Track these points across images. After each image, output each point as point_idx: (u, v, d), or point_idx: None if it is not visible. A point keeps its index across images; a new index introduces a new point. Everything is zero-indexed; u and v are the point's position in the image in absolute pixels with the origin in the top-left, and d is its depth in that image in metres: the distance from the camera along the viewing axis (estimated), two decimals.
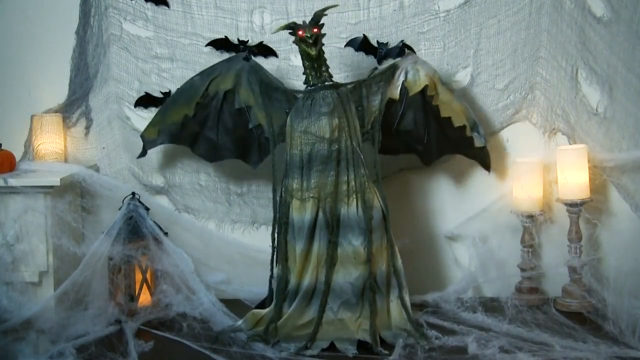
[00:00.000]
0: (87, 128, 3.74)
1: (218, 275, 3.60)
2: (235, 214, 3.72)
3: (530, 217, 3.43)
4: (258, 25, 3.63)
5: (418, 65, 3.29)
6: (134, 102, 3.68)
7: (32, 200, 3.28)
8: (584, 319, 3.15)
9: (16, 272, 3.28)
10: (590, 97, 3.43)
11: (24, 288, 3.29)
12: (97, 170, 3.70)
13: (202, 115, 3.43)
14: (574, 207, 3.33)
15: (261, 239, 3.54)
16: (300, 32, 3.13)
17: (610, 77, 3.34)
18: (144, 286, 3.37)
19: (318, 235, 3.08)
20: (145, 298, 3.36)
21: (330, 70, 3.22)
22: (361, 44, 3.53)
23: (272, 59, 3.61)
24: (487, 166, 3.44)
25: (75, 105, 3.72)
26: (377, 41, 3.55)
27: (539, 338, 2.94)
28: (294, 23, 3.20)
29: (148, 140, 3.48)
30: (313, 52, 3.13)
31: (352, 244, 3.06)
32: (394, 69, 3.30)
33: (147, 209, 3.43)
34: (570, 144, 3.49)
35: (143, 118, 3.63)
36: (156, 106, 3.61)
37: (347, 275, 3.04)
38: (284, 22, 3.29)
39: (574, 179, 3.31)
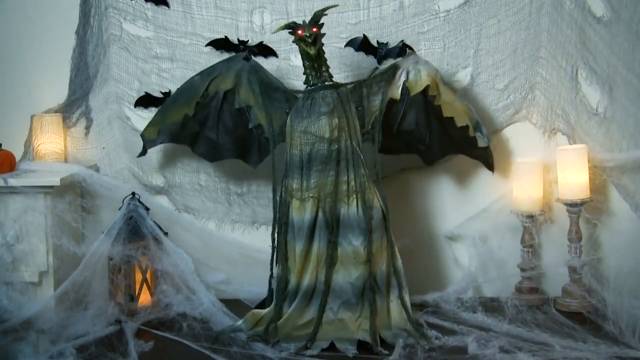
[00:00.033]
0: (87, 128, 3.74)
1: (218, 275, 3.60)
2: (235, 214, 3.72)
3: (530, 217, 3.43)
4: (258, 25, 3.63)
5: (420, 65, 3.29)
6: (134, 102, 3.68)
7: (32, 200, 3.28)
8: (584, 319, 3.15)
9: (16, 272, 3.28)
10: (590, 97, 3.43)
11: (24, 288, 3.29)
12: (97, 170, 3.70)
13: (202, 115, 3.43)
14: (574, 207, 3.33)
15: (261, 239, 3.54)
16: (299, 32, 3.13)
17: (610, 77, 3.34)
18: (144, 286, 3.37)
19: (318, 235, 3.09)
20: (145, 298, 3.36)
21: (330, 70, 3.22)
22: (361, 44, 3.53)
23: (272, 59, 3.62)
24: (490, 166, 3.43)
25: (75, 105, 3.72)
26: (377, 41, 3.55)
27: (539, 338, 2.94)
28: (294, 22, 3.20)
29: (148, 140, 3.48)
30: (312, 51, 3.13)
31: (352, 244, 3.06)
32: (394, 69, 3.29)
33: (147, 209, 3.43)
34: (570, 144, 3.49)
35: (143, 118, 3.63)
36: (156, 106, 3.61)
37: (347, 275, 3.04)
38: (284, 22, 3.29)
39: (574, 179, 3.31)
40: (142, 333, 3.16)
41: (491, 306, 3.33)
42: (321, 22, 3.16)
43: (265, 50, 3.60)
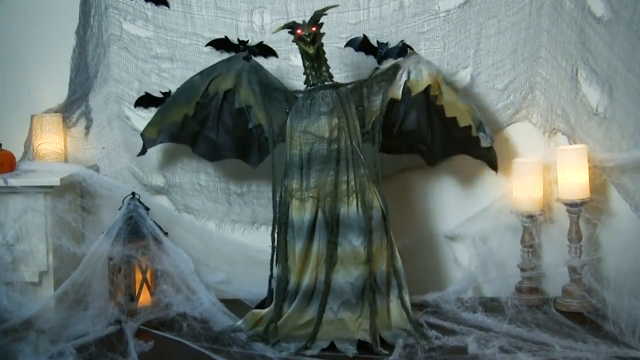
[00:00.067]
0: (87, 128, 3.74)
1: (218, 275, 3.60)
2: (235, 214, 3.72)
3: (530, 217, 3.42)
4: (258, 25, 3.63)
5: (421, 65, 3.28)
6: (134, 102, 3.68)
7: (32, 200, 3.28)
8: (584, 319, 3.15)
9: (16, 272, 3.28)
10: (590, 97, 3.43)
11: (24, 288, 3.28)
12: (97, 170, 3.70)
13: (202, 114, 3.43)
14: (574, 207, 3.33)
15: (261, 239, 3.54)
16: (298, 31, 3.13)
17: (610, 77, 3.34)
18: (144, 286, 3.37)
19: (317, 235, 3.08)
20: (145, 298, 3.36)
21: (330, 70, 3.22)
22: (361, 44, 3.53)
23: (272, 59, 3.62)
24: (494, 166, 3.42)
25: (75, 105, 3.72)
26: (377, 41, 3.55)
27: (539, 338, 2.94)
28: (293, 22, 3.20)
29: (148, 140, 3.48)
30: (311, 50, 3.13)
31: (352, 243, 3.06)
32: (395, 68, 3.29)
33: (147, 209, 3.43)
34: (570, 144, 3.49)
35: (143, 118, 3.63)
36: (156, 106, 3.61)
37: (347, 275, 3.04)
38: (284, 22, 3.29)
39: (574, 179, 3.31)
40: (142, 333, 3.16)
41: (491, 306, 3.33)
42: (321, 21, 3.16)
43: (265, 50, 3.60)
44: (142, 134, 3.49)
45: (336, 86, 3.20)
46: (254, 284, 3.48)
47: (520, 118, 3.58)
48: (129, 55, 3.68)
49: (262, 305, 3.26)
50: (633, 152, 3.23)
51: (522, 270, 3.46)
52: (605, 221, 3.43)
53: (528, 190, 3.41)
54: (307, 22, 3.16)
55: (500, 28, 3.53)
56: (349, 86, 3.25)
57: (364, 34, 3.53)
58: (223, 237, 3.70)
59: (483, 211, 3.58)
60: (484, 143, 3.32)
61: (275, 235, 3.19)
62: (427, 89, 3.25)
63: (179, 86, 3.49)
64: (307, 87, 3.21)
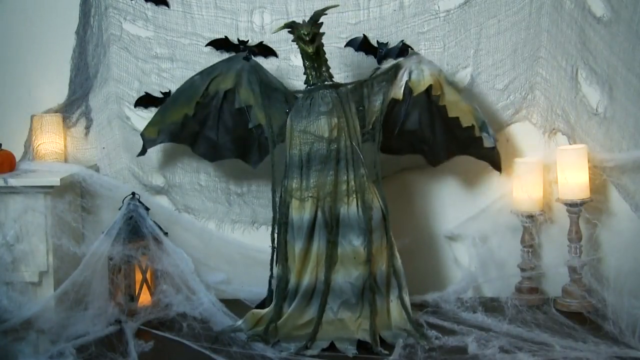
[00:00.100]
0: (87, 128, 3.74)
1: (218, 275, 3.60)
2: (235, 214, 3.72)
3: (530, 217, 3.42)
4: (258, 25, 3.63)
5: (423, 64, 3.27)
6: (134, 102, 3.68)
7: (32, 200, 3.28)
8: (584, 319, 3.15)
9: (16, 272, 3.28)
10: (590, 97, 3.43)
11: (24, 288, 3.28)
12: (97, 170, 3.70)
13: (202, 114, 3.43)
14: (574, 207, 3.33)
15: (261, 239, 3.54)
16: (298, 30, 3.13)
17: (610, 77, 3.34)
18: (144, 286, 3.37)
19: (317, 235, 3.08)
20: (145, 298, 3.36)
21: (330, 70, 3.22)
22: (361, 44, 3.53)
23: (272, 59, 3.62)
24: (497, 167, 3.40)
25: (75, 105, 3.72)
26: (377, 41, 3.55)
27: (539, 338, 2.94)
28: (293, 22, 3.20)
29: (148, 140, 3.48)
30: (310, 49, 3.13)
31: (352, 243, 3.06)
32: (396, 68, 3.28)
33: (147, 209, 3.43)
34: (570, 144, 3.49)
35: (143, 118, 3.63)
36: (156, 106, 3.61)
37: (347, 275, 3.04)
38: (284, 22, 3.29)
39: (574, 179, 3.31)
40: (142, 333, 3.16)
41: (491, 306, 3.33)
42: (320, 21, 3.16)
43: (265, 50, 3.60)
44: (142, 134, 3.49)
45: (336, 86, 3.20)
46: (254, 284, 3.48)
47: (520, 118, 3.58)
48: (129, 55, 3.68)
49: (262, 305, 3.26)
50: (633, 152, 3.23)
51: (522, 270, 3.46)
52: (605, 221, 3.42)
53: (528, 190, 3.41)
54: (306, 21, 3.16)
55: (500, 28, 3.53)
56: (349, 86, 3.25)
57: (364, 34, 3.53)
58: (223, 237, 3.70)
59: (483, 211, 3.58)
60: (487, 143, 3.30)
61: (275, 235, 3.19)
62: (429, 89, 3.23)
63: (179, 86, 3.49)
64: (307, 87, 3.21)
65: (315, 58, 3.16)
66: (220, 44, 3.60)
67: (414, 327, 3.02)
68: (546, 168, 3.48)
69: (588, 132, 3.44)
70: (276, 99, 3.32)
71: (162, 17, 3.65)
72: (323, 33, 3.19)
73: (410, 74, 3.25)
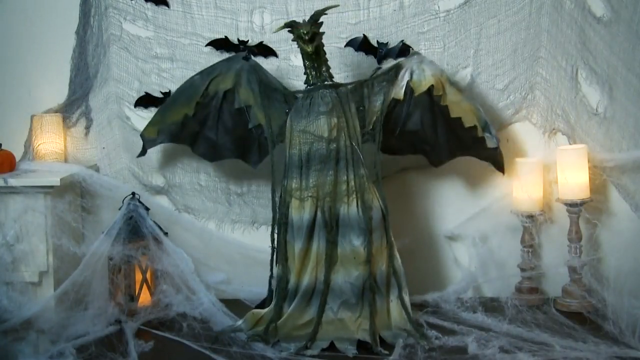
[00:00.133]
0: (87, 128, 3.74)
1: (218, 275, 3.60)
2: (235, 214, 3.72)
3: (530, 217, 3.42)
4: (258, 25, 3.63)
5: (424, 64, 3.27)
6: (134, 102, 3.68)
7: (32, 200, 3.28)
8: (584, 319, 3.15)
9: (16, 272, 3.28)
10: (590, 97, 3.43)
11: (24, 288, 3.28)
12: (97, 170, 3.70)
13: (202, 114, 3.43)
14: (574, 207, 3.33)
15: (261, 239, 3.54)
16: (297, 29, 3.13)
17: (610, 77, 3.34)
18: (144, 286, 3.37)
19: (317, 235, 3.08)
20: (145, 298, 3.36)
21: (330, 70, 3.22)
22: (361, 44, 3.53)
23: (272, 59, 3.62)
24: (500, 167, 3.38)
25: (75, 105, 3.72)
26: (377, 41, 3.55)
27: (539, 338, 2.94)
28: (293, 21, 3.20)
29: (148, 140, 3.48)
30: (309, 48, 3.12)
31: (352, 243, 3.06)
32: (397, 68, 3.28)
33: (147, 209, 3.43)
34: (570, 144, 3.49)
35: (143, 118, 3.63)
36: (156, 106, 3.61)
37: (346, 275, 3.04)
38: (284, 22, 3.28)
39: (574, 179, 3.31)
40: (142, 333, 3.16)
41: (491, 306, 3.33)
42: (320, 21, 3.16)
43: (265, 50, 3.60)
44: (141, 134, 3.49)
45: (336, 86, 3.20)
46: (254, 284, 3.48)
47: (520, 118, 3.58)
48: (129, 55, 3.68)
49: (262, 305, 3.26)
50: (633, 152, 3.23)
51: (522, 270, 3.46)
52: (605, 221, 3.43)
53: (528, 190, 3.41)
54: (306, 21, 3.16)
55: (500, 28, 3.53)
56: (349, 86, 3.24)
57: (364, 34, 3.53)
58: (223, 237, 3.70)
59: (483, 211, 3.58)
60: (490, 143, 3.28)
61: (275, 235, 3.19)
62: (431, 90, 3.23)
63: (179, 86, 3.49)
64: (307, 86, 3.21)
65: (315, 58, 3.16)
66: (220, 44, 3.60)
67: (414, 327, 3.01)
68: (546, 168, 3.48)
69: (588, 132, 3.44)
70: (276, 99, 3.32)
71: (162, 17, 3.65)
72: (323, 33, 3.19)
73: (411, 74, 3.25)
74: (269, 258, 3.23)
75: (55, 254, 3.31)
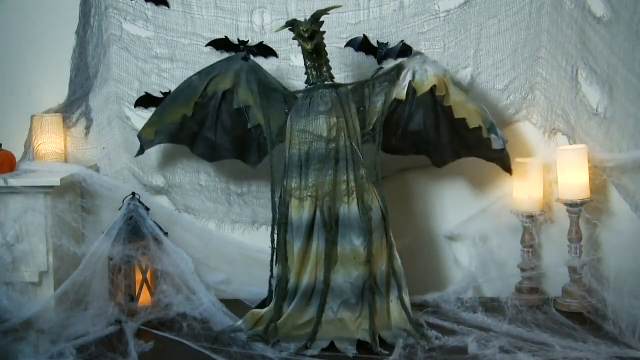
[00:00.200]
0: (87, 128, 3.74)
1: (218, 275, 3.60)
2: (235, 214, 3.72)
3: (530, 217, 3.42)
4: (258, 25, 3.63)
5: (426, 64, 3.25)
6: (134, 102, 3.68)
7: (32, 200, 3.28)
8: (584, 319, 3.15)
9: (16, 272, 3.28)
10: (590, 97, 3.43)
11: (24, 288, 3.28)
12: (97, 170, 3.70)
13: (201, 115, 3.42)
14: (574, 207, 3.33)
15: (261, 239, 3.54)
16: (297, 27, 3.13)
17: (610, 77, 3.34)
18: (144, 286, 3.37)
19: (316, 234, 3.08)
20: (145, 298, 3.36)
21: (331, 71, 3.22)
22: (361, 44, 3.53)
23: (272, 59, 3.61)
24: (508, 169, 3.36)
25: (75, 105, 3.72)
26: (377, 41, 3.55)
27: (539, 338, 2.94)
28: (294, 20, 3.20)
29: (145, 140, 3.48)
30: (308, 46, 3.12)
31: (352, 243, 3.05)
32: (399, 69, 3.26)
33: (147, 209, 3.43)
34: (570, 144, 3.49)
35: (143, 118, 3.63)
36: (156, 106, 3.60)
37: (346, 275, 3.04)
38: (285, 21, 3.28)
39: (574, 179, 3.31)
40: (142, 333, 3.16)
41: (491, 306, 3.33)
42: (321, 20, 3.16)
43: (265, 50, 3.60)
44: (139, 135, 3.48)
45: (336, 86, 3.20)
46: (254, 284, 3.48)
47: (520, 118, 3.58)
48: (129, 55, 3.68)
49: (262, 305, 3.26)
50: (633, 152, 3.23)
51: (522, 270, 3.46)
52: (605, 221, 3.42)
53: (528, 190, 3.41)
54: (307, 19, 3.16)
55: (500, 28, 3.53)
56: (349, 86, 3.24)
57: (364, 34, 3.53)
58: (223, 237, 3.70)
59: (483, 211, 3.58)
60: (496, 145, 3.25)
61: (275, 235, 3.18)
62: (433, 89, 3.21)
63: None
64: (307, 86, 3.21)
65: (315, 57, 3.16)
66: (220, 44, 3.60)
67: (414, 327, 3.01)
68: (546, 168, 3.48)
69: (588, 132, 3.44)
70: (275, 99, 3.32)
71: (162, 17, 3.65)
72: (324, 32, 3.18)
73: (414, 74, 3.23)
74: (269, 258, 3.23)
75: (55, 254, 3.31)
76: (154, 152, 3.63)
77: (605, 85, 3.37)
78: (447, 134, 3.32)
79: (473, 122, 3.22)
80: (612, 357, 2.75)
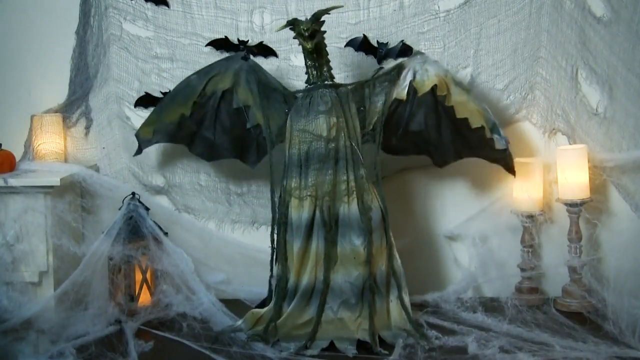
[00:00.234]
0: (87, 128, 3.74)
1: (218, 275, 3.60)
2: (235, 214, 3.72)
3: (530, 217, 3.42)
4: (258, 25, 3.63)
5: (427, 64, 3.24)
6: (134, 102, 3.68)
7: (32, 200, 3.28)
8: (584, 319, 3.15)
9: (16, 272, 3.28)
10: (590, 97, 3.43)
11: (24, 288, 3.28)
12: (97, 170, 3.70)
13: (199, 114, 3.42)
14: (574, 207, 3.33)
15: (261, 239, 3.53)
16: (298, 26, 3.13)
17: (610, 77, 3.34)
18: (144, 286, 3.37)
19: (316, 234, 3.08)
20: (145, 298, 3.36)
21: (332, 71, 3.22)
22: (361, 44, 3.53)
23: (272, 59, 3.61)
24: (511, 169, 3.35)
25: (75, 105, 3.72)
26: (377, 41, 3.55)
27: (539, 338, 2.94)
28: (295, 19, 3.20)
29: (143, 140, 3.47)
30: (309, 45, 3.12)
31: (352, 243, 3.05)
32: (400, 69, 3.26)
33: (147, 209, 3.43)
34: (570, 144, 3.49)
35: (143, 118, 3.61)
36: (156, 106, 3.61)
37: (346, 275, 3.04)
38: (285, 21, 3.28)
39: (574, 179, 3.31)
40: (142, 333, 3.16)
41: (491, 306, 3.33)
42: (322, 19, 3.16)
43: (265, 50, 3.60)
44: (136, 135, 3.48)
45: (336, 86, 3.20)
46: (254, 284, 3.48)
47: (520, 118, 3.58)
48: (129, 55, 3.68)
49: (262, 305, 3.26)
50: (633, 152, 3.23)
51: (522, 270, 3.46)
52: (605, 221, 3.43)
53: (528, 190, 3.41)
54: (308, 19, 3.16)
55: (500, 28, 3.53)
56: (350, 86, 3.24)
57: (364, 34, 3.53)
58: (223, 237, 3.70)
59: (483, 211, 3.58)
60: (499, 145, 3.23)
61: (275, 235, 3.18)
62: (434, 89, 3.20)
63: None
64: (307, 86, 3.21)
65: (316, 57, 3.16)
66: (220, 44, 3.60)
67: (414, 327, 3.01)
68: (546, 168, 3.48)
69: (588, 132, 3.44)
70: (275, 99, 3.32)
71: (162, 17, 3.65)
72: (324, 31, 3.18)
73: (414, 74, 3.22)
74: (269, 258, 3.23)
75: (55, 254, 3.31)
76: (154, 152, 3.63)
77: (605, 85, 3.37)
78: (449, 134, 3.31)
79: (475, 122, 3.21)
80: (612, 357, 2.75)
